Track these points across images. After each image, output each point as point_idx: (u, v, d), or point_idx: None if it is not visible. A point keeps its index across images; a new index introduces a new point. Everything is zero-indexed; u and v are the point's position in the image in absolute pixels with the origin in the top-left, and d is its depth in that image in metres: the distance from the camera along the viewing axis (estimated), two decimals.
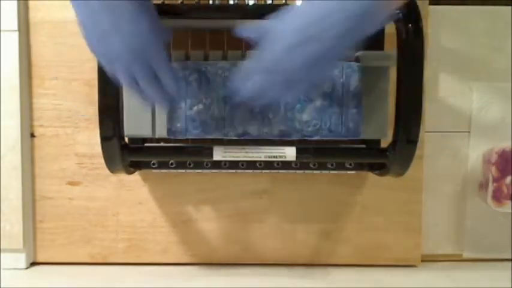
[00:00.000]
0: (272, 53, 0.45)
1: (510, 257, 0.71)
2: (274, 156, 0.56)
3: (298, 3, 0.56)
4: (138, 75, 0.47)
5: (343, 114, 0.57)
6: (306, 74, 0.46)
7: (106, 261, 0.69)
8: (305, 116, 0.58)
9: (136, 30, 0.45)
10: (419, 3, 0.51)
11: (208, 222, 0.69)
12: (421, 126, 0.54)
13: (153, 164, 0.64)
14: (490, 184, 0.67)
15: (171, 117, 0.56)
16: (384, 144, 0.59)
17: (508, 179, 0.67)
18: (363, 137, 0.59)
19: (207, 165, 0.63)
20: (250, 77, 0.47)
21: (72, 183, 0.69)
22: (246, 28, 0.49)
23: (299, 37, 0.44)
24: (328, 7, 0.43)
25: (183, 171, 0.65)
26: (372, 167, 0.63)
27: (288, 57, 0.44)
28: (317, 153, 0.57)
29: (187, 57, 0.58)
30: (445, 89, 0.71)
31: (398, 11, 0.51)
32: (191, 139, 0.61)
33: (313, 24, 0.43)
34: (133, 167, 0.62)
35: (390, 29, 0.56)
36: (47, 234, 0.69)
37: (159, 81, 0.48)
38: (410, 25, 0.52)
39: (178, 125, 0.57)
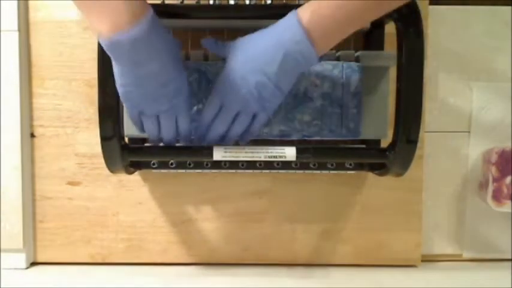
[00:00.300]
0: (228, 82, 0.50)
1: (510, 257, 0.71)
2: (274, 156, 0.56)
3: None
4: (163, 123, 0.52)
5: (343, 114, 0.57)
6: (258, 105, 0.50)
7: (106, 261, 0.69)
8: (305, 116, 0.58)
9: (178, 90, 0.51)
10: (419, 3, 0.51)
11: (208, 222, 0.69)
12: (421, 126, 0.54)
13: (153, 164, 0.64)
14: (490, 184, 0.67)
15: None
16: (384, 144, 0.59)
17: (508, 179, 0.67)
18: (363, 137, 0.59)
19: (207, 165, 0.63)
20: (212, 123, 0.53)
21: (72, 183, 0.69)
22: (209, 43, 0.54)
23: (246, 69, 0.49)
24: (268, 43, 0.48)
25: (183, 171, 0.65)
26: (372, 167, 0.63)
27: (241, 87, 0.49)
28: (317, 153, 0.57)
29: (187, 57, 0.58)
30: (445, 89, 0.71)
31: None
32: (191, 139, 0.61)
33: (256, 58, 0.49)
34: (133, 167, 0.62)
35: (390, 29, 0.56)
36: (47, 234, 0.69)
37: (177, 127, 0.53)
38: (410, 25, 0.52)
39: None
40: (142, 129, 0.54)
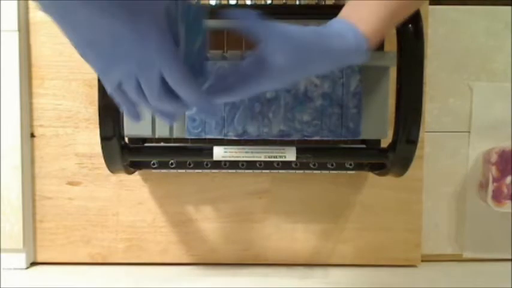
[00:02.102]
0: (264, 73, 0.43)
1: (510, 257, 0.71)
2: (274, 156, 0.56)
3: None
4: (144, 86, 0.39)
5: (343, 114, 0.57)
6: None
7: (106, 261, 0.69)
8: (305, 116, 0.58)
9: (141, 46, 0.37)
10: None
11: (208, 222, 0.69)
12: (421, 126, 0.54)
13: (153, 164, 0.64)
14: (490, 184, 0.67)
15: None
16: (384, 144, 0.59)
17: (508, 179, 0.67)
18: (363, 137, 0.59)
19: (207, 165, 0.63)
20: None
21: (72, 183, 0.69)
22: (246, 21, 0.43)
23: (288, 61, 0.42)
24: (316, 38, 0.43)
25: (183, 171, 0.65)
26: (372, 167, 0.63)
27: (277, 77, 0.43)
28: (317, 153, 0.57)
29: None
30: (445, 89, 0.71)
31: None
32: (191, 139, 0.61)
33: (301, 51, 0.43)
34: (133, 167, 0.62)
35: None
36: (47, 234, 0.69)
37: (174, 94, 0.38)
38: (410, 25, 0.52)
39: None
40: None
